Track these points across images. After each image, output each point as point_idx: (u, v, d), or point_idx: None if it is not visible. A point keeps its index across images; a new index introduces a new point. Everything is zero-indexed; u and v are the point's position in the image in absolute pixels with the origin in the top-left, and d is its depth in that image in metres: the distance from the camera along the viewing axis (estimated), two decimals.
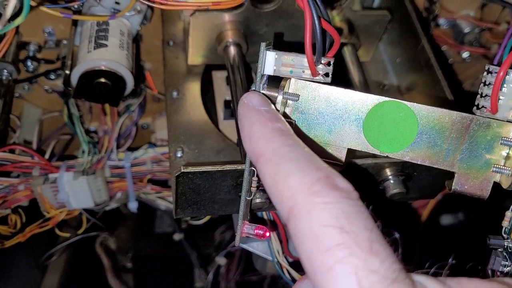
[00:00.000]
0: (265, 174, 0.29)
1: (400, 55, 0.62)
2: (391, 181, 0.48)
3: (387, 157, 0.39)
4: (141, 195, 0.76)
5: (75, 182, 0.69)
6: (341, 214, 0.25)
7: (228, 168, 0.44)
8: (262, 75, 0.37)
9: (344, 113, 0.38)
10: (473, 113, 0.37)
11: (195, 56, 0.58)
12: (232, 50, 0.56)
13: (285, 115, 0.38)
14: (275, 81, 0.39)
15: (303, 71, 0.37)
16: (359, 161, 0.47)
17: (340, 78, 0.58)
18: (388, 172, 0.48)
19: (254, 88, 0.37)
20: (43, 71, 0.71)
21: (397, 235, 0.39)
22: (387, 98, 0.38)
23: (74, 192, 0.70)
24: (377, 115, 0.38)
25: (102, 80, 0.52)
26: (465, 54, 0.82)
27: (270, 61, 0.37)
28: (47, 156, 0.72)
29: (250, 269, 0.79)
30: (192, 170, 0.43)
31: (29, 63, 0.70)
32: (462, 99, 0.56)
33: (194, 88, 0.58)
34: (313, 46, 0.36)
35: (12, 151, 0.68)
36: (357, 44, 0.60)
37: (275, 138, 0.30)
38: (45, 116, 0.78)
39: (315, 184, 0.26)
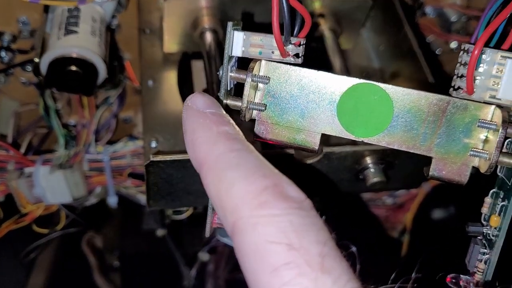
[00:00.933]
0: (208, 183, 0.26)
1: (384, 43, 0.60)
2: (371, 170, 0.47)
3: (362, 142, 0.37)
4: (121, 189, 0.74)
5: (51, 176, 0.67)
6: (290, 227, 0.22)
7: None
8: (230, 57, 0.36)
9: (317, 97, 0.37)
10: (450, 95, 0.35)
11: (171, 43, 0.56)
12: (208, 36, 0.54)
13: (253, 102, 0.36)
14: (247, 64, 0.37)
15: (273, 52, 0.35)
16: (337, 149, 0.45)
17: (322, 66, 0.56)
18: (368, 160, 0.47)
19: (221, 72, 0.36)
20: (18, 62, 0.69)
21: (354, 248, 0.37)
22: (361, 80, 0.36)
23: (50, 186, 0.68)
24: (351, 98, 0.37)
25: (73, 68, 0.50)
26: (453, 44, 0.80)
27: (238, 42, 0.35)
28: (23, 149, 0.70)
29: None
30: (162, 159, 0.42)
31: (3, 53, 0.67)
32: (447, 86, 0.55)
33: (170, 77, 0.57)
34: (282, 26, 0.34)
35: None
36: (338, 30, 0.59)
37: (220, 143, 0.27)
38: (21, 109, 0.75)
39: (262, 194, 0.23)
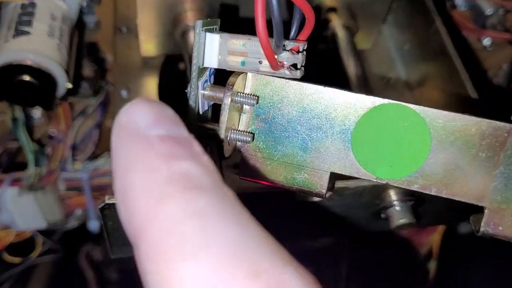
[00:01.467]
0: (149, 280, 0.15)
1: (409, 41, 0.49)
2: (397, 208, 0.36)
3: (386, 184, 0.27)
4: None
5: (20, 199, 0.58)
6: None
7: None
8: (202, 68, 0.26)
9: (324, 122, 0.27)
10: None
11: (148, 45, 0.46)
12: (192, 36, 0.44)
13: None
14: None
15: (261, 62, 0.25)
16: (352, 184, 0.35)
17: (333, 72, 0.45)
18: (392, 195, 0.36)
19: (189, 89, 0.26)
20: None
21: None
22: (386, 100, 0.26)
23: (20, 211, 0.59)
24: (372, 124, 0.26)
25: (24, 77, 0.40)
26: (486, 41, 0.69)
27: (212, 48, 0.25)
28: None
29: None
30: None
31: None
32: (488, 97, 0.44)
33: (149, 85, 0.47)
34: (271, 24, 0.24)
35: None
36: (353, 27, 0.48)
37: (172, 199, 0.16)
38: None
39: None
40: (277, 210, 0.36)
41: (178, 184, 0.16)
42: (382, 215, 0.38)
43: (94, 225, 0.64)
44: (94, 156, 0.65)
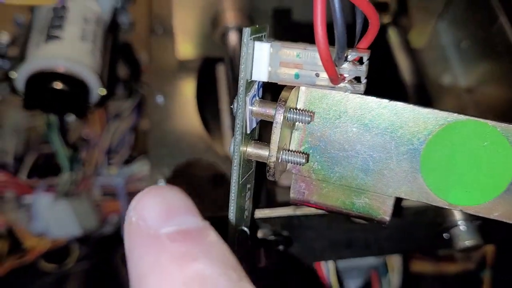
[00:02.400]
0: None
1: (468, 38, 0.45)
2: (461, 229, 0.33)
3: (460, 211, 0.24)
4: None
5: (55, 205, 0.56)
6: None
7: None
8: (250, 82, 0.23)
9: (389, 141, 0.24)
10: None
11: (185, 47, 0.44)
12: (233, 37, 0.41)
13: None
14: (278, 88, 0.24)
15: (318, 75, 0.22)
16: (413, 203, 0.31)
17: (382, 74, 0.42)
18: (456, 214, 0.33)
19: (235, 105, 0.23)
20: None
21: None
22: (461, 117, 0.23)
23: (55, 217, 0.57)
24: (445, 144, 0.23)
25: (56, 85, 0.38)
26: None
27: (261, 59, 0.22)
28: (25, 172, 0.60)
29: None
30: None
31: (0, 61, 0.57)
32: None
33: (187, 90, 0.44)
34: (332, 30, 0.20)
35: None
36: (407, 25, 0.44)
37: None
38: (30, 123, 0.65)
39: None
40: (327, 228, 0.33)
41: None
42: (445, 236, 0.34)
43: None
44: (129, 160, 0.64)
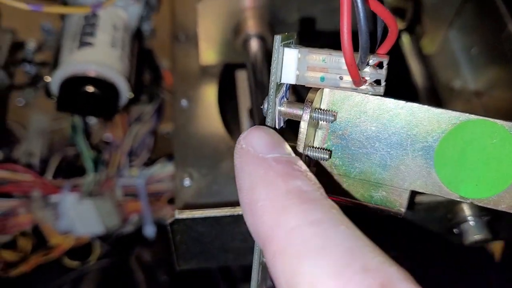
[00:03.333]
0: (276, 272, 0.18)
1: (477, 45, 0.47)
2: (471, 223, 0.35)
3: (471, 203, 0.26)
4: (161, 217, 0.65)
5: (80, 205, 0.59)
6: None
7: (242, 212, 0.32)
8: (279, 85, 0.25)
9: (405, 139, 0.26)
10: None
11: (208, 54, 0.46)
12: (254, 44, 0.43)
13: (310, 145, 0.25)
14: (303, 91, 0.26)
15: (341, 78, 0.24)
16: (426, 198, 0.33)
17: (395, 78, 0.44)
18: (466, 210, 0.35)
19: (266, 105, 0.25)
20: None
21: None
22: (472, 116, 0.25)
23: (80, 216, 0.60)
24: (457, 141, 0.25)
25: (88, 89, 0.41)
26: None
27: (290, 63, 0.25)
28: (51, 172, 0.62)
29: None
30: (190, 216, 0.32)
31: (28, 67, 0.60)
32: None
33: (209, 94, 0.47)
34: (356, 37, 0.22)
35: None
36: (419, 31, 0.46)
37: (292, 210, 0.19)
38: (54, 126, 0.68)
39: None
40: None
41: (295, 198, 0.19)
42: (455, 231, 0.36)
43: (149, 231, 0.65)
44: (149, 162, 0.66)
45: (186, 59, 0.49)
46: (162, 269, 1.00)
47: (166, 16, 0.56)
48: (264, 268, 0.30)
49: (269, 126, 0.25)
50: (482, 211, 0.35)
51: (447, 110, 0.25)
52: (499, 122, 0.25)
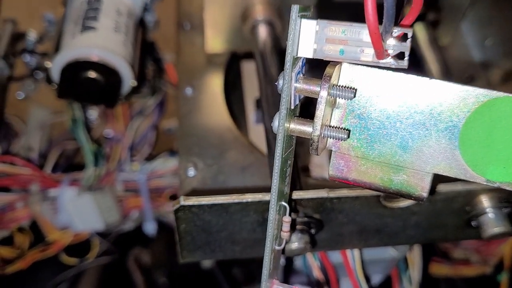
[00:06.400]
0: None
1: (492, 35, 0.46)
2: (489, 216, 0.33)
3: (498, 188, 0.24)
4: (162, 214, 0.63)
5: (79, 199, 0.57)
6: None
7: (250, 200, 0.30)
8: (296, 59, 0.23)
9: (428, 118, 0.24)
10: None
11: (215, 41, 0.44)
12: (262, 31, 0.42)
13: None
14: (320, 68, 0.25)
15: (362, 50, 0.23)
16: (444, 188, 0.32)
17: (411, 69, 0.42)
18: (484, 202, 0.33)
19: (281, 82, 0.24)
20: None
21: None
22: (501, 94, 0.23)
23: (79, 211, 0.58)
24: (484, 121, 0.24)
25: (91, 74, 0.39)
26: None
27: (307, 36, 0.23)
28: (49, 166, 0.61)
29: None
30: (196, 203, 0.30)
31: (28, 58, 0.58)
32: None
33: (214, 84, 0.45)
34: (379, 9, 0.21)
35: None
36: (434, 21, 0.45)
37: None
38: (53, 119, 0.66)
39: None
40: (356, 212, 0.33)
41: None
42: (473, 223, 0.34)
43: (150, 227, 0.63)
44: (150, 158, 0.64)
45: (191, 48, 0.47)
46: (162, 270, 0.98)
47: (170, 7, 0.55)
48: (276, 257, 0.28)
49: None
50: (502, 202, 0.33)
51: (474, 87, 0.23)
52: None
